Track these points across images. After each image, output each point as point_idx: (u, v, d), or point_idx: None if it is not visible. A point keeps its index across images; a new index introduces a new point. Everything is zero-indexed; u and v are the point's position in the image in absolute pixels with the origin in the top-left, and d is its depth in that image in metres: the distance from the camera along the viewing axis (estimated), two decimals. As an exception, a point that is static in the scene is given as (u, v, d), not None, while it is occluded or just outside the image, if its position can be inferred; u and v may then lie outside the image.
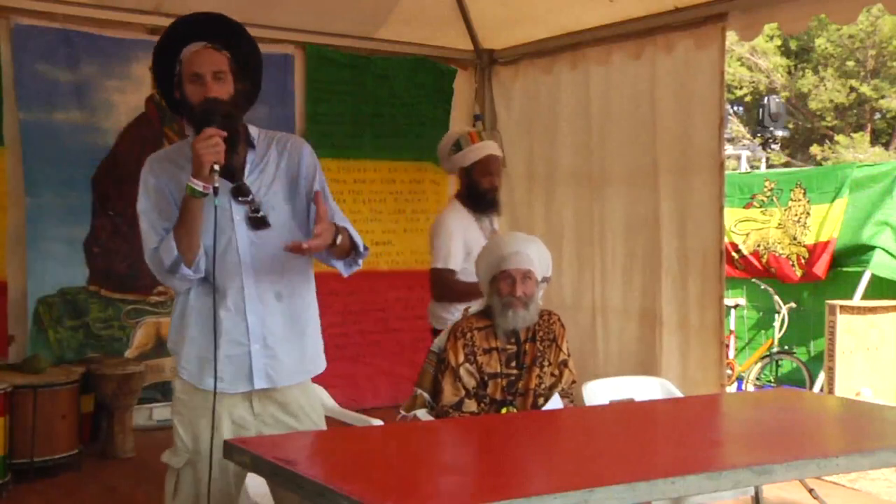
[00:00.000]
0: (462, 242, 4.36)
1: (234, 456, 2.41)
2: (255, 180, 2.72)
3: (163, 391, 6.11)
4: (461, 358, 3.40)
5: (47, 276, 5.73)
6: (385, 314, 6.90)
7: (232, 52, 2.68)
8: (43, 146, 5.70)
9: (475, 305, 3.69)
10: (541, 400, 3.48)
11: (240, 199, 2.67)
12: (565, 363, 3.57)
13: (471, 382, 3.41)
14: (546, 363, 3.51)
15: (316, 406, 2.89)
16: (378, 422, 3.23)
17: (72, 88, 5.82)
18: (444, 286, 4.37)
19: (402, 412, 3.50)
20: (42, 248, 5.71)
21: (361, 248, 2.79)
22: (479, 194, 4.47)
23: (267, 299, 2.71)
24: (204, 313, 2.69)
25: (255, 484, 2.78)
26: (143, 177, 2.70)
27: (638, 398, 3.58)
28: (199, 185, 2.52)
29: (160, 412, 6.09)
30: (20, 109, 5.65)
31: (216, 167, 2.52)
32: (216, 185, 2.53)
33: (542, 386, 3.49)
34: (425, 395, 3.47)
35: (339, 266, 2.81)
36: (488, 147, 4.55)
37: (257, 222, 2.67)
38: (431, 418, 3.40)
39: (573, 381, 3.59)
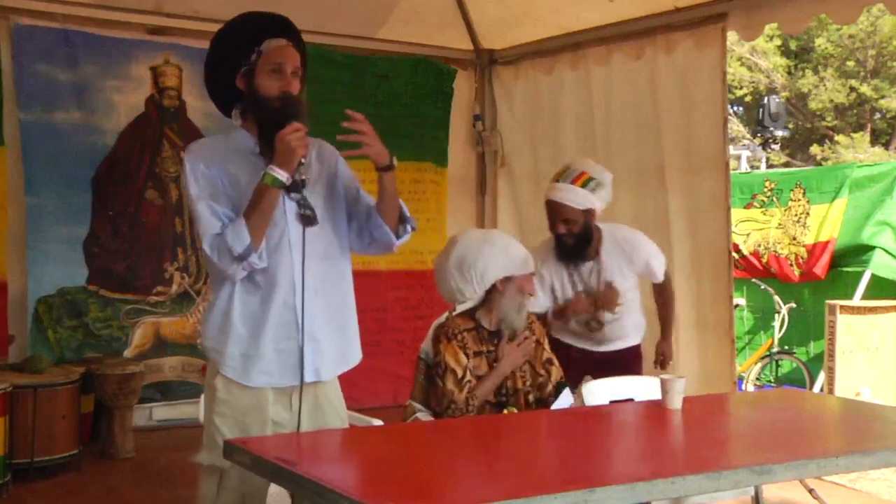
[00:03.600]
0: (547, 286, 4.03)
1: (235, 456, 2.41)
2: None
3: (162, 391, 6.12)
4: (463, 359, 3.38)
5: (47, 276, 5.73)
6: (385, 314, 6.90)
7: (301, 55, 2.78)
8: (43, 146, 5.70)
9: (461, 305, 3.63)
10: (531, 397, 3.47)
11: (292, 195, 2.70)
12: (550, 361, 3.57)
13: (472, 382, 3.39)
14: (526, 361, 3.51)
15: (342, 400, 2.92)
16: (378, 422, 3.23)
17: (72, 88, 5.82)
18: None
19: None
20: (42, 248, 5.71)
21: (408, 215, 2.86)
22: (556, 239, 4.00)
23: (311, 294, 2.72)
24: (251, 309, 2.70)
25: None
26: (189, 164, 2.68)
27: (638, 398, 3.57)
28: (282, 175, 2.59)
29: (160, 412, 6.09)
30: (20, 109, 5.65)
31: (303, 160, 2.62)
32: (304, 177, 2.63)
33: (528, 384, 3.49)
34: (415, 405, 3.45)
35: (389, 233, 2.83)
36: (553, 191, 3.99)
37: (307, 219, 2.71)
38: (431, 419, 3.39)
39: (561, 377, 3.58)
